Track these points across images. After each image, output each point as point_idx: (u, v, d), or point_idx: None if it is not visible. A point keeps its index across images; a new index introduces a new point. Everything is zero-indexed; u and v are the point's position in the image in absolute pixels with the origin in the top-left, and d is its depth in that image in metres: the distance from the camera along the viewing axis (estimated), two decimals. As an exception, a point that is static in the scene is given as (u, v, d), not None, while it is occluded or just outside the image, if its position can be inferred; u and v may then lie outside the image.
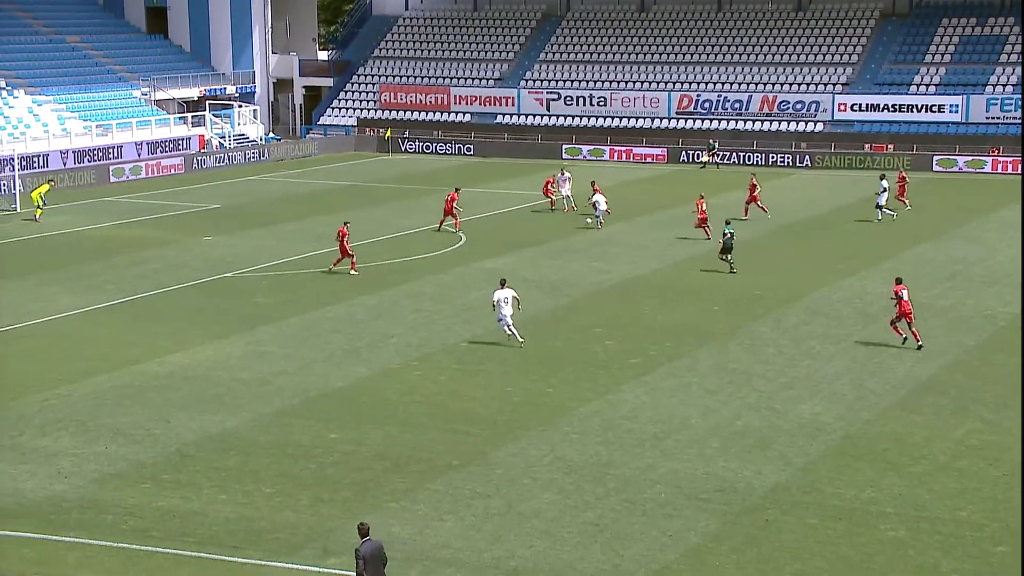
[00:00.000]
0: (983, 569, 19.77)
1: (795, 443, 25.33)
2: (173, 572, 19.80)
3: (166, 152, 73.53)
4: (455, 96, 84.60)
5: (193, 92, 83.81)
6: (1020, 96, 72.13)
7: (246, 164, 75.24)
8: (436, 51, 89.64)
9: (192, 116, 79.60)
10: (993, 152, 71.01)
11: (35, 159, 66.30)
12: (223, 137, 79.04)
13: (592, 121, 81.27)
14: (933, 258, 44.89)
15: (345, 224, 42.51)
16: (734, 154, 74.63)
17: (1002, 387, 28.89)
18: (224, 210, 57.68)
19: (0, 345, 33.48)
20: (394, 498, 22.53)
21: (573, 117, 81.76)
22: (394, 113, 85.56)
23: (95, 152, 70.14)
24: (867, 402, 28.05)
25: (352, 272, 41.43)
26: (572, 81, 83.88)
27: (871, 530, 21.10)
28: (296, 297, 38.76)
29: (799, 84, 79.15)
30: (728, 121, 78.67)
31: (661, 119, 79.94)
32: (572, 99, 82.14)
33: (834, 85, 78.45)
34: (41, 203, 53.79)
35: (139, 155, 71.92)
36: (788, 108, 77.74)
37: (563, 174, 56.87)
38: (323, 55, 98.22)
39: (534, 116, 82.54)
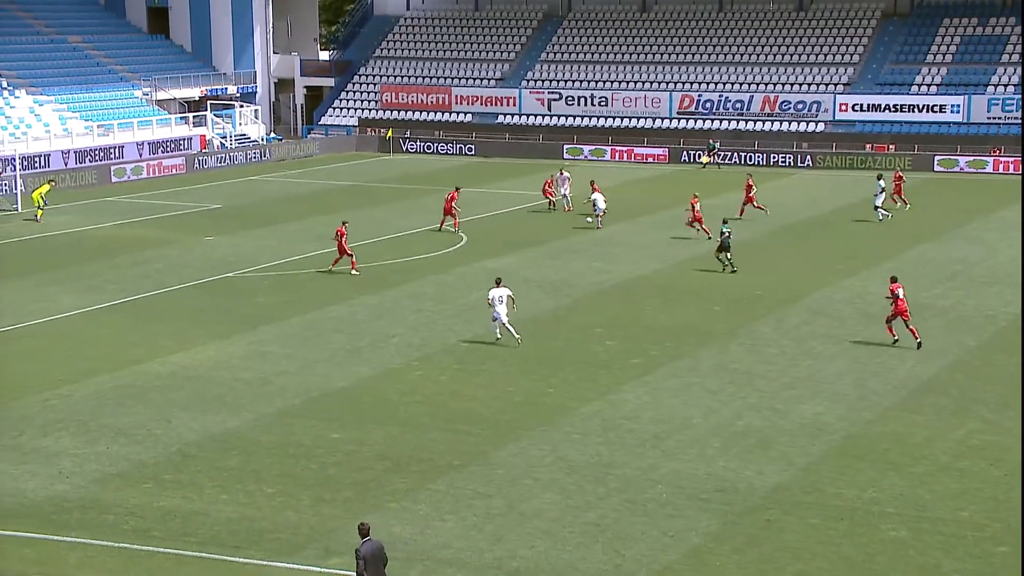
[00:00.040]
0: (984, 569, 19.76)
1: (796, 443, 25.33)
2: (174, 572, 19.81)
3: (167, 152, 73.54)
4: (456, 96, 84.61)
5: (194, 92, 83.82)
6: (1021, 96, 72.12)
7: (247, 164, 75.26)
8: (437, 51, 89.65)
9: (193, 116, 79.62)
10: (994, 152, 71.01)
11: (36, 159, 66.32)
12: (224, 137, 79.06)
13: (593, 121, 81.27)
14: (934, 258, 44.89)
15: (344, 224, 42.52)
16: (735, 154, 74.63)
17: (1003, 387, 28.89)
18: (225, 210, 57.70)
19: (1, 345, 33.49)
20: (395, 498, 22.54)
21: (574, 117, 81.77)
22: (395, 113, 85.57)
23: (96, 152, 70.17)
24: (869, 402, 28.04)
25: (353, 272, 41.45)
26: (573, 81, 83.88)
27: (872, 530, 21.10)
28: (298, 297, 38.77)
29: (800, 84, 79.15)
30: (729, 121, 78.67)
31: (662, 119, 79.94)
32: (573, 99, 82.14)
33: (835, 85, 78.44)
34: (42, 203, 53.81)
35: (140, 155, 71.94)
36: (789, 108, 77.74)
37: (562, 174, 56.96)
38: (324, 55, 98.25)
39: (535, 116, 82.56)
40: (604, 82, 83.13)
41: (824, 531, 21.09)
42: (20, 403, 28.12)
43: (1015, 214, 52.02)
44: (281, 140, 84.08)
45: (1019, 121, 71.78)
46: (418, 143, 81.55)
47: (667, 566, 19.86)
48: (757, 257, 44.88)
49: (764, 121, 77.89)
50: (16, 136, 68.26)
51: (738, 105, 78.89)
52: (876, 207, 52.68)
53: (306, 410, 27.62)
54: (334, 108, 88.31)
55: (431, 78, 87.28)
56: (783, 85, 79.40)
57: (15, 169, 59.22)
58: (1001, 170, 69.71)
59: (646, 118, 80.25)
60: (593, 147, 78.08)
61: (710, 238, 46.78)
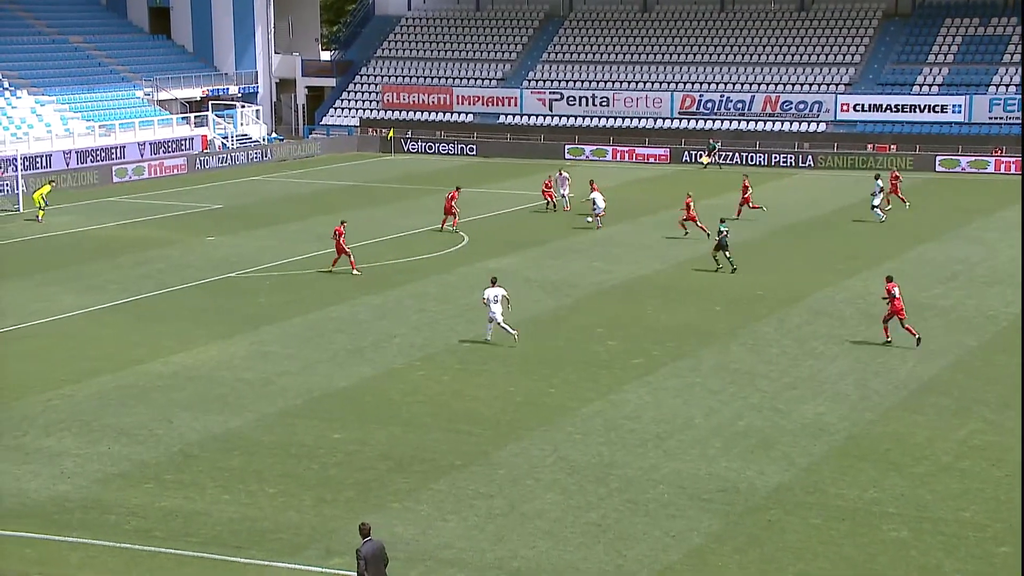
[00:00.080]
0: (986, 570, 19.77)
1: (798, 443, 25.34)
2: (176, 572, 19.82)
3: (169, 152, 73.56)
4: (458, 96, 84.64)
5: (196, 92, 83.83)
6: (1021, 97, 72.08)
7: (249, 164, 75.28)
8: (439, 51, 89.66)
9: (195, 116, 79.63)
10: (996, 152, 70.99)
11: (38, 159, 66.34)
12: (226, 137, 79.08)
13: (595, 121, 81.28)
14: (935, 258, 44.89)
15: (342, 223, 42.53)
16: (736, 154, 74.63)
17: (1004, 387, 28.89)
18: (227, 210, 57.72)
19: (4, 345, 33.52)
20: (397, 498, 22.55)
21: (576, 117, 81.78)
22: (397, 113, 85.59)
23: (98, 152, 70.20)
24: (870, 402, 28.05)
25: (355, 272, 41.46)
26: (575, 81, 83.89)
27: (874, 530, 21.11)
28: (299, 297, 38.79)
29: (802, 84, 79.15)
30: (731, 121, 78.68)
31: (664, 119, 79.94)
32: (575, 99, 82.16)
33: (837, 85, 78.43)
34: (43, 204, 53.83)
35: (142, 155, 71.96)
36: (791, 108, 77.73)
37: (561, 174, 57.02)
38: (326, 55, 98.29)
39: (537, 116, 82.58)
40: (605, 82, 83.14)
41: (826, 531, 21.10)
42: (22, 403, 28.15)
43: (1016, 214, 51.98)
44: (282, 140, 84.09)
45: (1020, 121, 71.77)
46: (419, 143, 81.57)
47: (668, 566, 19.87)
48: (758, 257, 44.89)
49: (765, 121, 77.89)
50: (18, 136, 68.29)
51: (739, 105, 78.90)
52: (873, 206, 52.69)
53: (308, 410, 27.64)
54: (335, 108, 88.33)
55: (432, 78, 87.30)
56: (784, 85, 79.40)
57: (17, 169, 59.24)
58: (1003, 170, 69.70)
59: (647, 118, 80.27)
60: (594, 147, 78.09)
61: (708, 235, 46.86)
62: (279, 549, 20.46)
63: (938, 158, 71.20)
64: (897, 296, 32.35)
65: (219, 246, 47.87)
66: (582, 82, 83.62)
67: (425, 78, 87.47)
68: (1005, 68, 75.60)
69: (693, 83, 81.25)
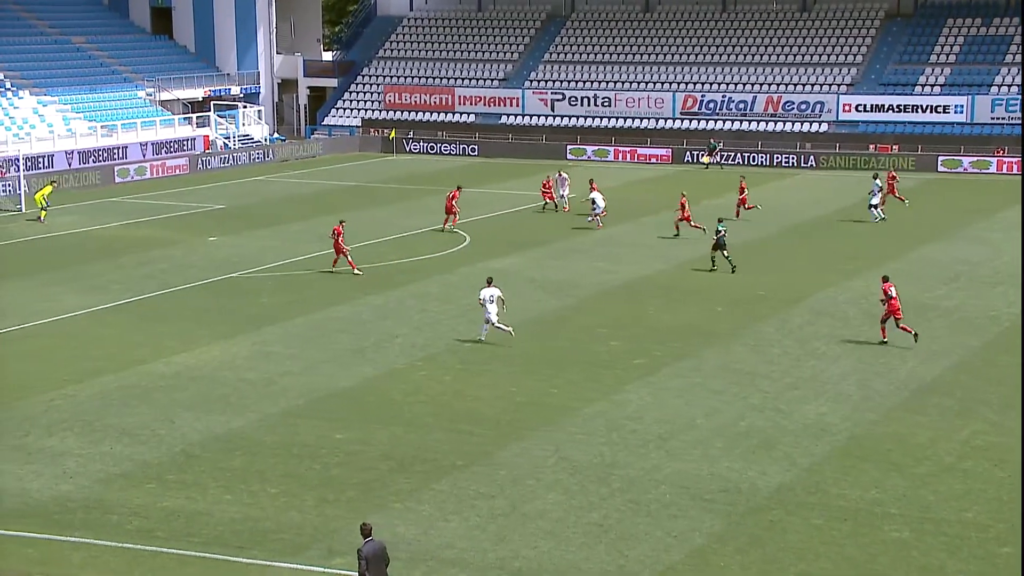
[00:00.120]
0: (988, 570, 19.77)
1: (800, 444, 25.33)
2: (178, 572, 19.83)
3: (171, 153, 73.59)
4: (459, 96, 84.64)
5: (198, 92, 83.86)
6: (1021, 97, 72.02)
7: (251, 164, 75.30)
8: (440, 51, 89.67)
9: (197, 117, 79.66)
10: (998, 152, 70.96)
11: (40, 160, 66.38)
12: (228, 138, 79.11)
13: (596, 122, 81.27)
14: (938, 259, 44.86)
15: (341, 223, 42.54)
16: (738, 154, 74.61)
17: (1007, 388, 28.86)
18: (229, 210, 57.75)
19: (6, 345, 33.54)
20: (399, 498, 22.56)
21: (577, 118, 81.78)
22: (398, 113, 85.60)
23: (100, 153, 70.22)
24: (872, 403, 28.04)
25: (356, 272, 41.46)
26: (576, 81, 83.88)
27: (876, 531, 21.10)
28: (302, 297, 38.80)
29: (804, 84, 79.12)
30: (732, 122, 78.65)
31: (665, 119, 79.92)
32: (576, 99, 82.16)
33: (839, 86, 78.40)
34: (44, 204, 53.87)
35: (144, 156, 71.99)
36: (793, 109, 77.71)
37: (561, 175, 57.03)
38: (328, 55, 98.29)
39: (538, 116, 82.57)
40: (607, 82, 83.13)
41: (827, 532, 21.09)
42: (25, 403, 28.16)
43: (1018, 214, 51.95)
44: (284, 140, 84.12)
45: (1021, 122, 71.72)
46: (421, 143, 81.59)
47: (670, 566, 19.87)
48: (760, 257, 44.88)
49: (767, 121, 77.87)
50: (20, 137, 68.32)
51: (741, 105, 78.89)
52: (871, 205, 52.68)
53: (310, 410, 27.65)
54: (337, 108, 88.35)
55: (434, 78, 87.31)
56: (786, 85, 79.37)
57: (19, 170, 59.28)
58: (1005, 170, 69.66)
59: (649, 118, 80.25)
60: (596, 147, 78.09)
61: (704, 231, 46.95)
62: (281, 549, 20.47)
63: (940, 158, 71.18)
64: (894, 296, 32.34)
65: (221, 246, 47.89)
66: (584, 82, 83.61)
67: (427, 78, 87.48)
68: (1007, 68, 75.55)
69: (695, 83, 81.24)
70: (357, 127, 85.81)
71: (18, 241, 49.87)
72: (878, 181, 53.39)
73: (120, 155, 70.91)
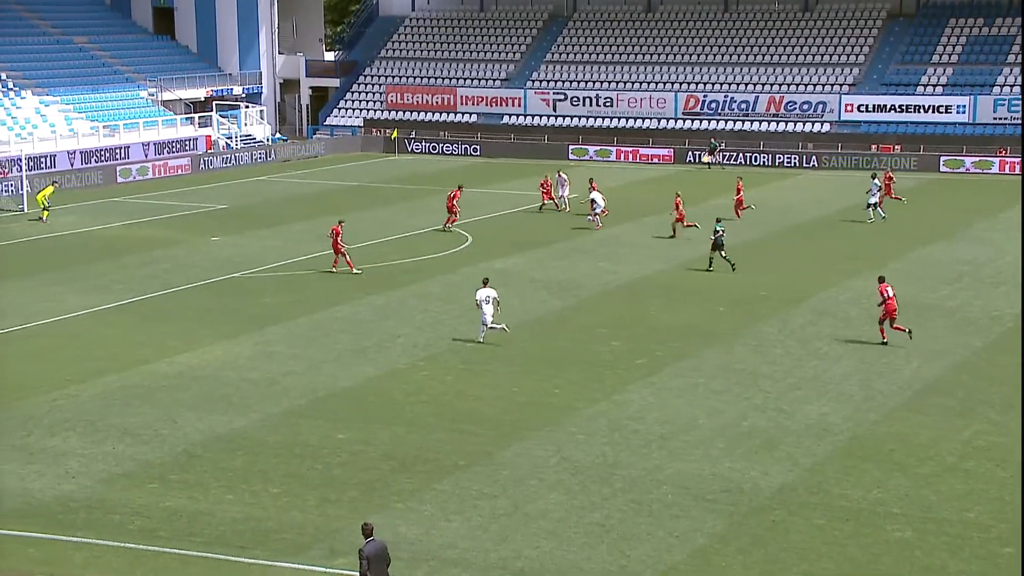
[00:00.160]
0: (990, 570, 19.77)
1: (802, 444, 25.34)
2: (180, 572, 19.85)
3: (173, 153, 73.62)
4: (461, 96, 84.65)
5: (200, 93, 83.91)
6: (1021, 98, 71.96)
7: (253, 164, 75.31)
8: (442, 52, 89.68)
9: (199, 117, 79.71)
10: (1000, 153, 70.91)
11: (42, 160, 66.41)
12: (230, 138, 79.15)
13: (598, 122, 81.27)
14: (940, 259, 44.84)
15: (340, 223, 42.54)
16: (740, 155, 74.60)
17: (1009, 388, 28.84)
18: (231, 210, 57.78)
19: (8, 345, 33.56)
20: (401, 498, 22.57)
21: (579, 118, 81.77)
22: (400, 114, 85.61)
23: (102, 153, 70.26)
24: (874, 403, 28.04)
25: (356, 272, 41.47)
26: (578, 82, 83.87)
27: (878, 531, 21.11)
28: (304, 297, 38.82)
29: (806, 84, 79.10)
30: (734, 122, 78.64)
31: (667, 120, 79.91)
32: (578, 100, 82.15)
33: (841, 86, 78.37)
34: (46, 205, 53.91)
35: (146, 156, 72.02)
36: (795, 109, 77.68)
37: (560, 176, 57.03)
38: (330, 56, 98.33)
39: (540, 117, 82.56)
40: (609, 82, 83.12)
41: (830, 532, 21.10)
42: (27, 403, 28.18)
43: (1019, 215, 51.94)
44: (286, 140, 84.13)
45: (1021, 122, 71.66)
46: (423, 143, 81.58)
47: (672, 566, 19.88)
48: (762, 257, 44.88)
49: (769, 121, 77.84)
50: (22, 136, 68.38)
51: (743, 105, 78.87)
52: (870, 204, 52.66)
53: (312, 410, 27.67)
54: (339, 108, 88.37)
55: (436, 78, 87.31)
56: (788, 85, 79.34)
57: (21, 170, 59.31)
58: (1007, 171, 69.61)
59: (651, 118, 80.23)
60: (598, 148, 78.07)
61: (698, 228, 47.02)
62: (283, 549, 20.48)
63: (942, 158, 71.14)
64: (891, 296, 32.33)
65: (224, 246, 47.92)
66: (586, 82, 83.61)
67: (429, 78, 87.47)
68: (1009, 68, 75.48)
69: (697, 83, 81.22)
70: (359, 127, 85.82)
71: (20, 241, 49.91)
72: (876, 181, 53.40)
73: (122, 155, 70.94)
